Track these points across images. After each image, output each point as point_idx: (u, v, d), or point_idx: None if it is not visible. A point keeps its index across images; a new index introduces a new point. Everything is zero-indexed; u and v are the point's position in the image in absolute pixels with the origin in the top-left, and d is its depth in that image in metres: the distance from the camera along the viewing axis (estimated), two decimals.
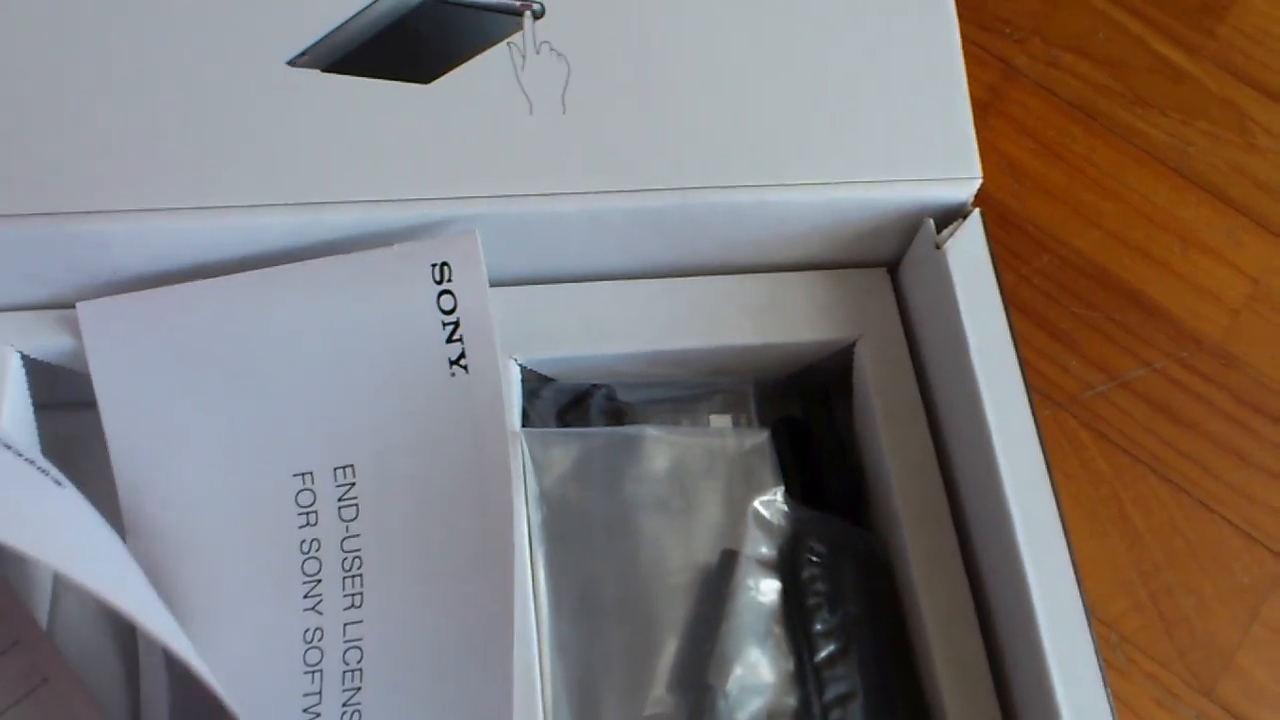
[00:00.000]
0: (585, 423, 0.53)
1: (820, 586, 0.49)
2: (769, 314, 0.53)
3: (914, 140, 0.50)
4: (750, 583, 0.49)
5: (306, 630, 0.46)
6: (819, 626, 0.48)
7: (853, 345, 0.53)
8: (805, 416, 0.56)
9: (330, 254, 0.48)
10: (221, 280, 0.47)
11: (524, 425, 0.52)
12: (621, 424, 0.53)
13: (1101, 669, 0.43)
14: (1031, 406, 0.47)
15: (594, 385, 0.54)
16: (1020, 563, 0.45)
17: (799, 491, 0.53)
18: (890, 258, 0.54)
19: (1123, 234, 0.74)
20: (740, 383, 0.55)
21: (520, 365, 0.52)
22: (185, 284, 0.47)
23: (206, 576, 0.47)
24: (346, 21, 0.48)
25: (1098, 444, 0.68)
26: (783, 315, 0.53)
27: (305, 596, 0.46)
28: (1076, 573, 0.44)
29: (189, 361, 0.47)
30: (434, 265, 0.47)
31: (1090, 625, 0.44)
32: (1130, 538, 0.66)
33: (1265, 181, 0.77)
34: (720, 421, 0.55)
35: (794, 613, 0.49)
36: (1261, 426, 0.70)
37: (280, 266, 0.47)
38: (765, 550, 0.50)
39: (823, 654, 0.48)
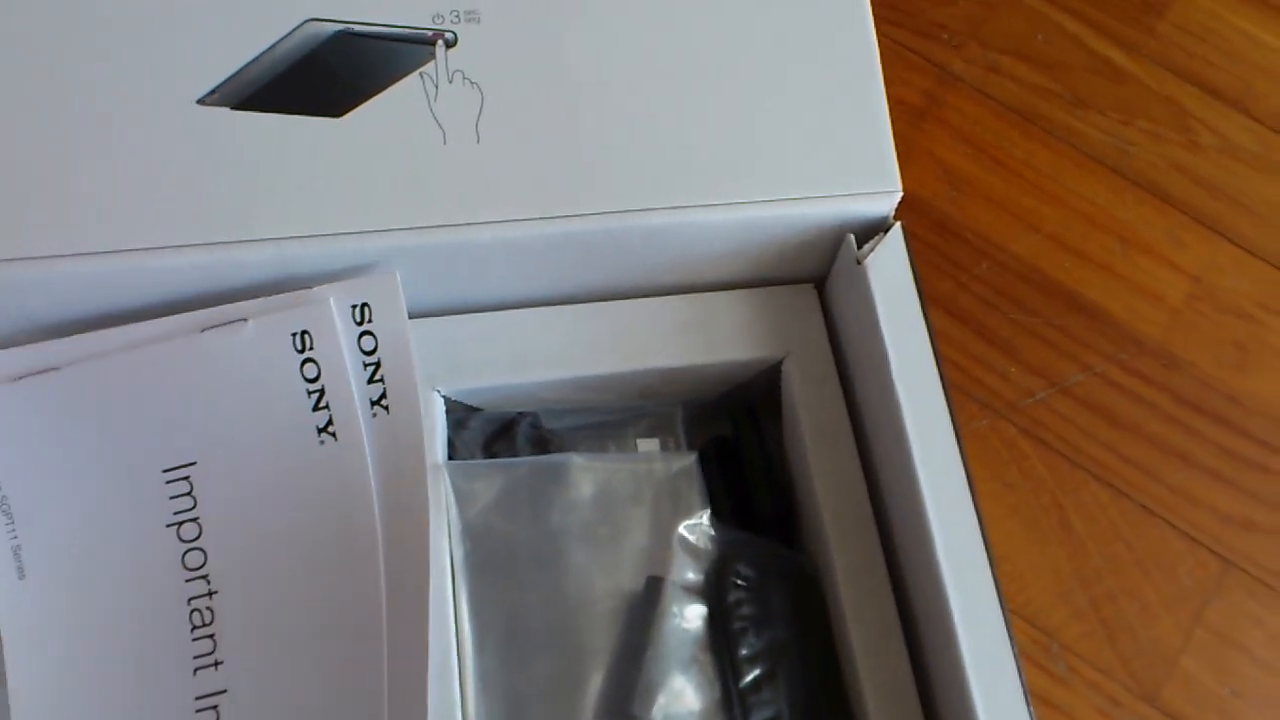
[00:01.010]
0: (512, 452, 0.52)
1: (746, 610, 0.49)
2: (695, 335, 0.53)
3: (834, 156, 0.50)
4: (675, 609, 0.48)
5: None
6: (744, 651, 0.48)
7: (780, 363, 0.53)
8: (735, 436, 0.56)
9: (245, 293, 0.47)
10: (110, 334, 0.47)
11: (450, 457, 0.52)
12: (547, 452, 0.52)
13: (1024, 686, 0.43)
14: (953, 422, 0.47)
15: (520, 413, 0.53)
16: (941, 582, 0.44)
17: (729, 513, 0.53)
18: (817, 274, 0.54)
19: (1062, 237, 0.74)
20: (668, 405, 0.55)
21: (445, 397, 0.51)
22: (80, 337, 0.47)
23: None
24: (256, 58, 0.48)
25: (1038, 451, 0.68)
26: (709, 335, 0.53)
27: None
28: (999, 590, 0.44)
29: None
30: (354, 306, 0.47)
31: (1013, 643, 0.43)
32: (1071, 545, 0.66)
33: (1206, 179, 0.77)
34: (648, 445, 0.55)
35: (720, 638, 0.48)
36: (1203, 427, 0.69)
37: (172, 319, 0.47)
38: (692, 575, 0.50)
39: (748, 679, 0.48)
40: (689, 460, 0.52)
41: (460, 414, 0.53)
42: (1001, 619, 0.44)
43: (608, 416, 0.55)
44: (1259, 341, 0.72)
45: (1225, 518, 0.67)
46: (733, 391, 0.55)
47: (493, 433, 0.53)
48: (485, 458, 0.52)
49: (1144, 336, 0.71)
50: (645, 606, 0.49)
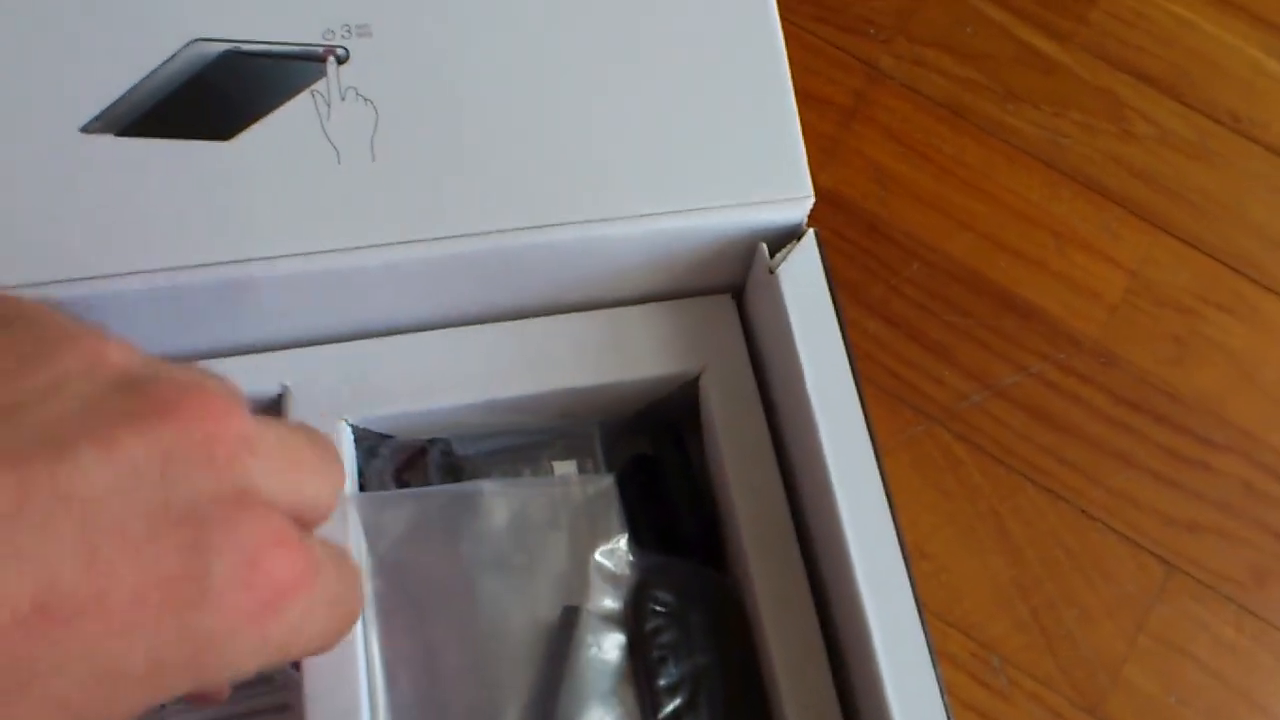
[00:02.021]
0: (423, 480, 0.51)
1: (666, 638, 0.47)
2: (610, 352, 0.51)
3: (744, 162, 0.48)
4: (591, 640, 0.47)
5: None
6: (663, 681, 0.46)
7: (698, 377, 0.52)
8: (655, 455, 0.55)
9: (132, 331, 0.46)
10: None
11: (361, 488, 0.50)
12: (460, 479, 0.51)
13: (945, 704, 0.42)
14: (871, 435, 0.45)
15: (430, 440, 0.52)
16: (860, 600, 0.43)
17: (652, 534, 0.51)
18: (736, 283, 0.53)
19: (996, 235, 0.73)
20: (585, 425, 0.53)
21: (354, 426, 0.50)
22: None
23: None
24: (141, 81, 0.46)
25: (974, 457, 0.66)
26: (624, 352, 0.51)
27: None
28: (919, 608, 0.43)
29: None
30: None
31: (935, 664, 0.42)
32: (1010, 553, 0.64)
33: (1142, 169, 0.76)
34: (564, 468, 0.53)
35: (639, 667, 0.47)
36: (1143, 426, 0.68)
37: None
38: (610, 603, 0.48)
39: (668, 709, 0.46)
40: (606, 482, 0.50)
41: (372, 442, 0.51)
42: (923, 639, 0.43)
43: (523, 439, 0.53)
44: (1197, 335, 0.71)
45: (1168, 519, 0.66)
46: (652, 408, 0.54)
47: (403, 461, 0.51)
48: (396, 487, 0.51)
49: (1081, 334, 0.70)
50: (561, 638, 0.47)
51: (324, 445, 0.34)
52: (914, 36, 0.78)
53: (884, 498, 0.44)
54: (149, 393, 0.28)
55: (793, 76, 0.74)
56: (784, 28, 0.77)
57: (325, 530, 0.44)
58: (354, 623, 0.34)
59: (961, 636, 0.62)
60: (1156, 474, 0.67)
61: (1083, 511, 0.65)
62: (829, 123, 0.75)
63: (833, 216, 0.72)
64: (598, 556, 0.48)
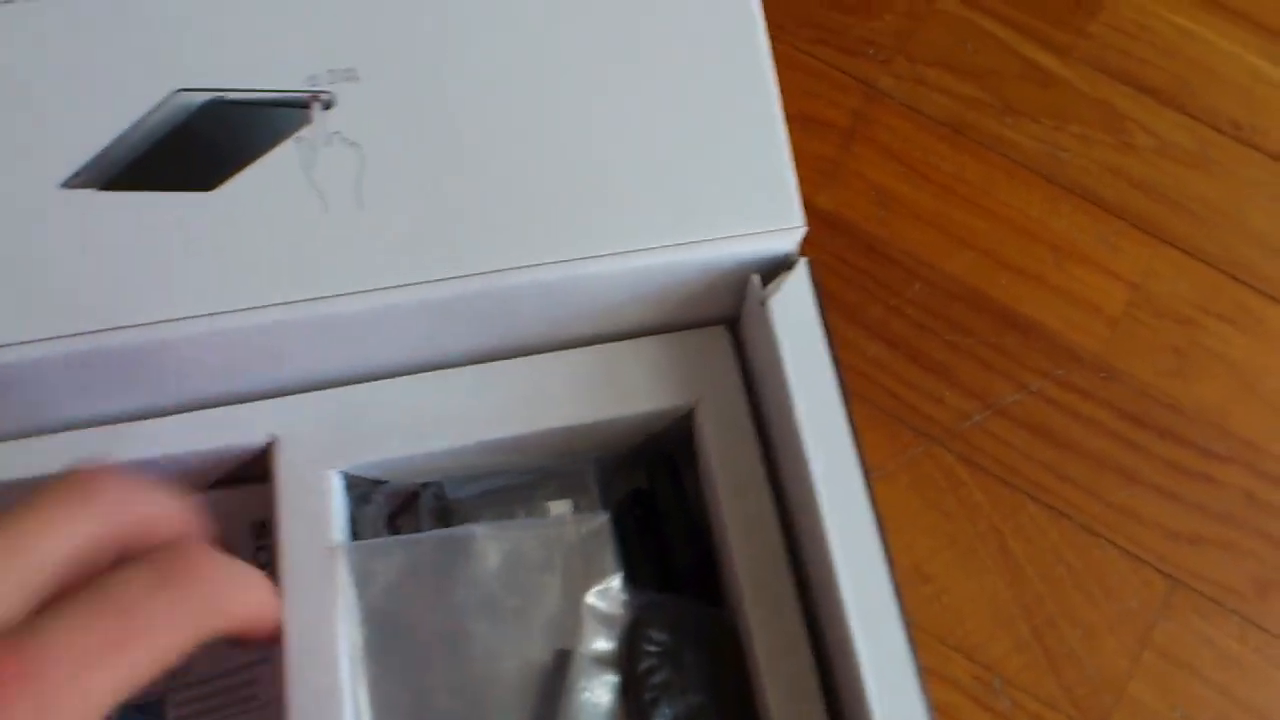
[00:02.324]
0: (416, 526, 0.51)
1: (659, 678, 0.47)
2: (604, 387, 0.51)
3: (734, 194, 0.48)
4: (584, 683, 0.47)
5: None
6: None
7: (692, 410, 0.52)
8: (652, 489, 0.55)
9: (121, 385, 0.46)
10: None
11: (354, 536, 0.50)
12: (452, 523, 0.51)
13: None
14: (862, 466, 0.45)
15: (423, 484, 0.52)
16: (850, 635, 0.43)
17: (649, 570, 0.51)
18: (730, 314, 0.53)
19: (996, 252, 0.73)
20: (580, 463, 0.54)
21: (345, 473, 0.50)
22: None
23: None
24: (124, 133, 0.47)
25: (975, 476, 0.67)
26: (618, 387, 0.51)
27: None
28: (911, 644, 0.43)
29: None
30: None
31: (928, 704, 0.42)
32: (1011, 572, 0.64)
33: (1141, 180, 0.76)
34: (560, 507, 0.53)
35: (633, 709, 0.47)
36: (1146, 441, 0.68)
37: None
38: (603, 644, 0.48)
39: None
40: (600, 521, 0.50)
41: (364, 489, 0.51)
42: (914, 676, 0.43)
43: (516, 480, 0.53)
44: (1198, 346, 0.71)
45: (1171, 533, 0.66)
46: (649, 441, 0.54)
47: (395, 507, 0.52)
48: (390, 533, 0.51)
49: (1082, 350, 0.70)
50: (553, 682, 0.47)
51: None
52: (914, 56, 0.79)
53: (875, 530, 0.44)
54: None
55: (793, 100, 0.74)
56: (784, 51, 0.78)
57: (313, 580, 0.45)
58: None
59: (963, 659, 0.63)
60: (1159, 488, 0.67)
61: (1085, 528, 0.65)
62: (829, 145, 0.75)
63: (832, 239, 0.72)
64: (590, 598, 0.49)
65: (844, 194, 0.73)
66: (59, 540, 0.34)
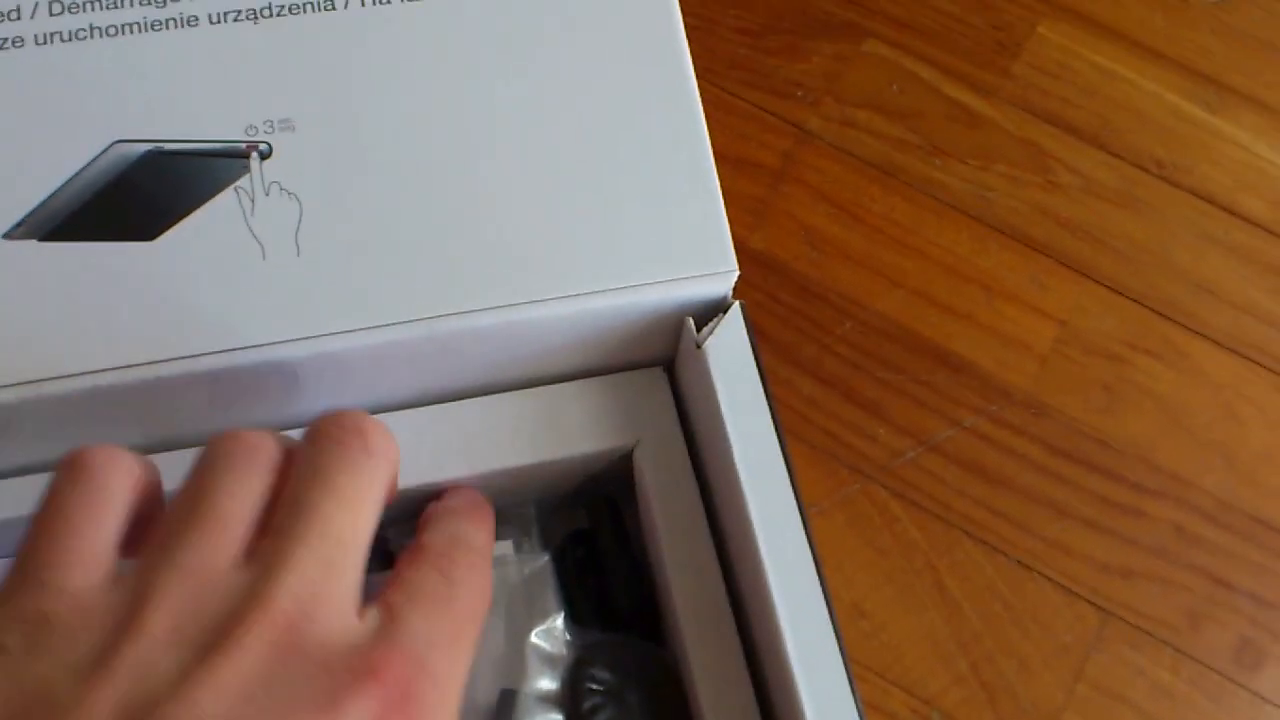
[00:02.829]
0: None
1: (603, 716, 0.48)
2: (544, 429, 0.51)
3: (667, 238, 0.49)
4: None
5: None
6: None
7: (632, 451, 0.52)
8: (592, 530, 0.55)
9: (62, 432, 0.46)
10: None
11: None
12: (392, 566, 0.51)
13: None
14: (800, 507, 0.46)
15: None
16: (791, 673, 0.43)
17: (590, 610, 0.52)
18: (668, 356, 0.53)
19: (926, 291, 0.74)
20: (520, 504, 0.54)
21: None
22: None
23: None
24: (63, 185, 0.47)
25: (909, 513, 0.67)
26: (558, 429, 0.51)
27: None
28: (851, 682, 0.43)
29: None
30: None
31: None
32: (948, 607, 0.65)
33: (1068, 219, 0.77)
34: (501, 548, 0.53)
35: None
36: (1076, 475, 0.69)
37: None
38: (547, 684, 0.48)
39: None
40: (541, 561, 0.50)
41: None
42: (854, 710, 0.43)
43: None
44: (1126, 381, 0.72)
45: (1103, 567, 0.67)
46: (589, 482, 0.54)
47: None
48: None
49: (1012, 386, 0.71)
50: None
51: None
52: (842, 98, 0.80)
53: (814, 568, 0.45)
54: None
55: (724, 142, 0.75)
56: (713, 94, 0.79)
57: None
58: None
59: (903, 694, 0.63)
60: (1090, 522, 0.68)
61: (1019, 562, 0.66)
62: (760, 186, 0.76)
63: (765, 279, 0.73)
64: (534, 638, 0.49)
65: (776, 235, 0.74)
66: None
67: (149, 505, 0.37)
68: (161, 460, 0.49)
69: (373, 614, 0.34)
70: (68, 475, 0.35)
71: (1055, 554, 0.67)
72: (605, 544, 0.54)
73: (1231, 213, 0.78)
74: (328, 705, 0.30)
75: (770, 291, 0.73)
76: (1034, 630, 0.65)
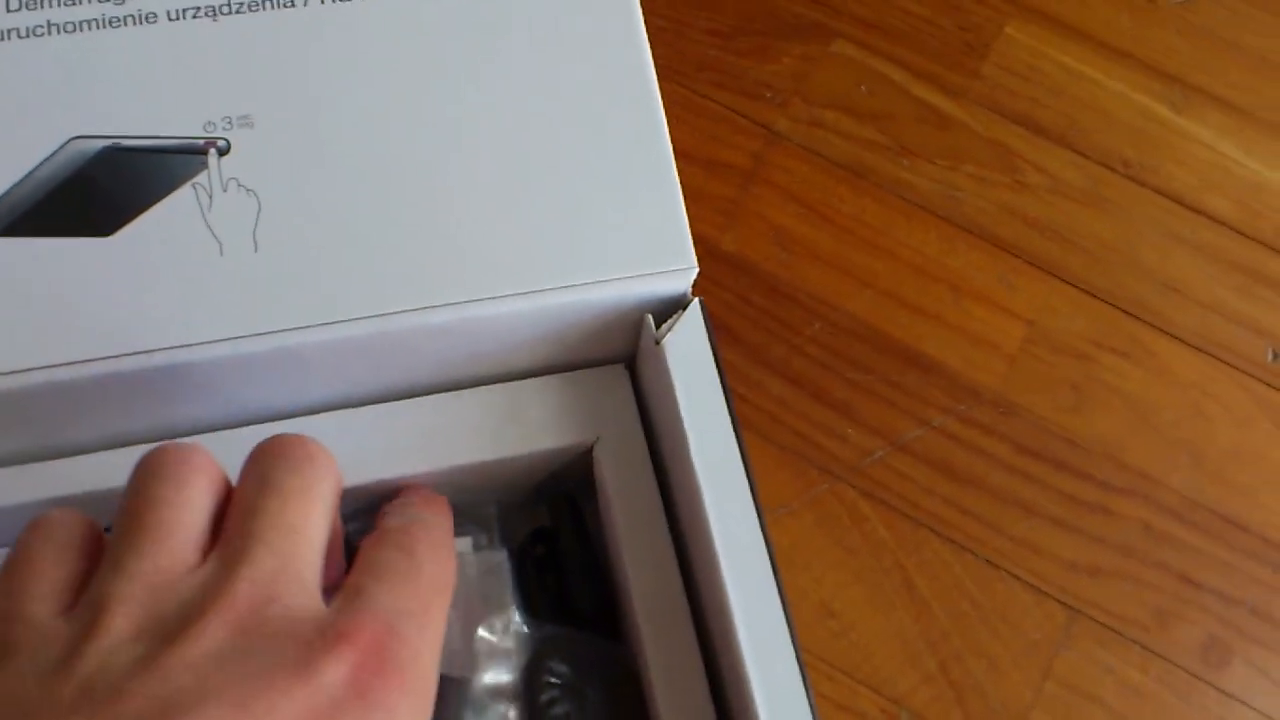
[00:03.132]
0: None
1: (560, 710, 0.47)
2: (504, 426, 0.51)
3: (626, 235, 0.48)
4: (471, 715, 0.47)
5: None
6: None
7: (592, 448, 0.52)
8: (554, 529, 0.55)
9: (18, 427, 0.46)
10: None
11: None
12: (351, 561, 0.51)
13: None
14: (757, 506, 0.45)
15: None
16: (745, 670, 0.43)
17: (550, 609, 0.51)
18: (628, 353, 0.53)
19: (895, 291, 0.74)
20: (481, 502, 0.54)
21: None
22: None
23: None
24: (20, 181, 0.46)
25: (879, 512, 0.67)
26: (518, 425, 0.51)
27: None
28: (805, 678, 0.43)
29: None
30: None
31: None
32: (917, 607, 0.65)
33: (1035, 219, 0.77)
34: (460, 545, 0.53)
35: None
36: (1044, 474, 0.69)
37: None
38: (506, 677, 0.48)
39: None
40: (499, 558, 0.50)
41: None
42: (807, 707, 0.43)
43: None
44: (1094, 380, 0.72)
45: (1071, 565, 0.67)
46: (552, 478, 0.54)
47: None
48: None
49: (981, 386, 0.71)
50: (439, 709, 0.47)
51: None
52: (810, 99, 0.80)
53: (770, 566, 0.45)
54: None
55: (695, 143, 0.75)
56: (683, 95, 0.79)
57: None
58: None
59: (871, 693, 0.63)
60: (1058, 520, 0.68)
61: (987, 561, 0.66)
62: (730, 187, 0.76)
63: (735, 280, 0.73)
64: (482, 631, 0.49)
65: (746, 235, 0.74)
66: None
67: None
68: (120, 456, 0.50)
69: (338, 596, 0.35)
70: (31, 529, 0.36)
71: (1024, 553, 0.67)
72: (566, 543, 0.54)
73: (1198, 212, 0.78)
74: (302, 667, 0.30)
75: (740, 292, 0.73)
76: (1002, 629, 0.65)
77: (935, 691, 0.63)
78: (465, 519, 0.53)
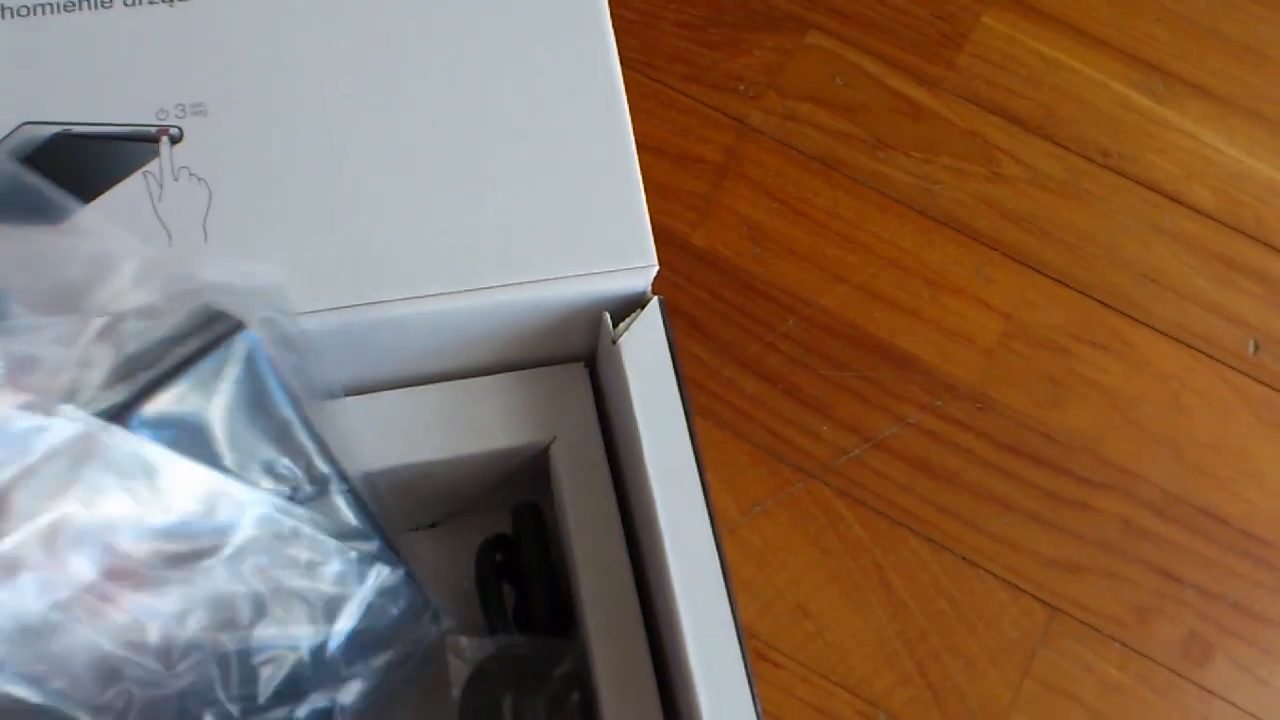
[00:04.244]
0: None
1: None
2: (460, 424, 0.50)
3: (587, 233, 0.48)
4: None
5: None
6: None
7: (549, 447, 0.51)
8: (515, 535, 0.54)
9: None
10: None
11: None
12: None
13: None
14: (709, 508, 0.45)
15: None
16: (691, 673, 0.42)
17: (505, 615, 0.51)
18: (589, 351, 0.52)
19: (870, 286, 0.73)
20: (433, 502, 0.53)
21: None
22: None
23: None
24: None
25: (854, 511, 0.66)
26: (474, 423, 0.50)
27: None
28: (750, 680, 0.42)
29: None
30: None
31: None
32: (894, 606, 0.64)
33: (1013, 210, 0.76)
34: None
35: None
36: (1022, 469, 0.68)
37: None
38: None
39: None
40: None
41: None
42: (751, 709, 0.42)
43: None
44: (1072, 374, 0.71)
45: (1049, 562, 0.66)
46: (507, 479, 0.53)
47: None
48: None
49: (957, 381, 0.70)
50: None
51: None
52: (784, 91, 0.79)
53: (719, 567, 0.44)
54: None
55: (666, 137, 0.74)
56: (654, 89, 0.78)
57: None
58: None
59: (847, 695, 0.62)
60: (1036, 516, 0.67)
61: (965, 559, 0.65)
62: (702, 182, 0.75)
63: (707, 276, 0.72)
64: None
65: (719, 231, 0.73)
66: None
67: None
68: None
69: None
70: None
71: (1001, 550, 0.66)
72: (527, 551, 0.53)
73: (1178, 201, 0.77)
74: None
75: (713, 288, 0.72)
76: (980, 627, 0.64)
77: (913, 692, 0.62)
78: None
